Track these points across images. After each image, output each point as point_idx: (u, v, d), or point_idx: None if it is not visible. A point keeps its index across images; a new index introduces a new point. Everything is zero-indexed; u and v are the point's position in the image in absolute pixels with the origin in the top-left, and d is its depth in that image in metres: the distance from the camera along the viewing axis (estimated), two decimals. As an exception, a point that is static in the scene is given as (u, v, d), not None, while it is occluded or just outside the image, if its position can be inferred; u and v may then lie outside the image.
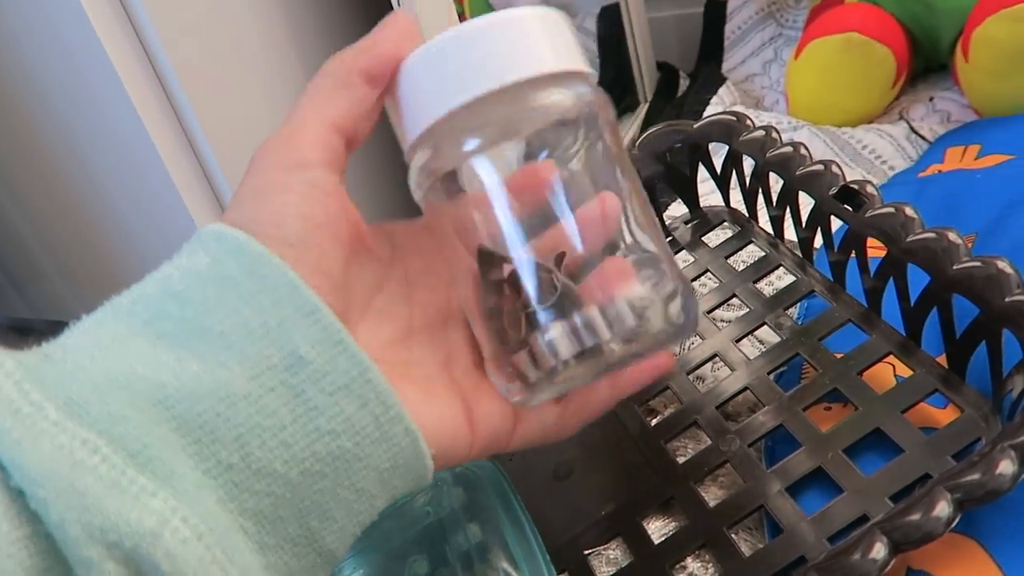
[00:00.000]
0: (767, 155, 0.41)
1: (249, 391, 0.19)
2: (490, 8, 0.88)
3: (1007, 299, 0.29)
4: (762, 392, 0.38)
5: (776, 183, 0.42)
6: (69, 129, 0.56)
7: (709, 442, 0.37)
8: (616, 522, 0.36)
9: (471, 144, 0.23)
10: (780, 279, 0.47)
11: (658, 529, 0.36)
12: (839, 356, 0.37)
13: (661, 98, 0.85)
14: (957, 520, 0.25)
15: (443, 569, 0.33)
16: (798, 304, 0.43)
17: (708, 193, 0.50)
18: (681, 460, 0.37)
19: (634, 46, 0.82)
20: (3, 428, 0.16)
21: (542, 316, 0.23)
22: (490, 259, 0.24)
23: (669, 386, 0.41)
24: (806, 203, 0.39)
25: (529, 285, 0.23)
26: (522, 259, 0.23)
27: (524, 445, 0.27)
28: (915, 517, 0.25)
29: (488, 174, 0.23)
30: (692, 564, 0.34)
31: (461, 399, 0.25)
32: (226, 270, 0.21)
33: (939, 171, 0.54)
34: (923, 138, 0.63)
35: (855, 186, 0.36)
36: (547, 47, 0.23)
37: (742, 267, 0.45)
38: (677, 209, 0.56)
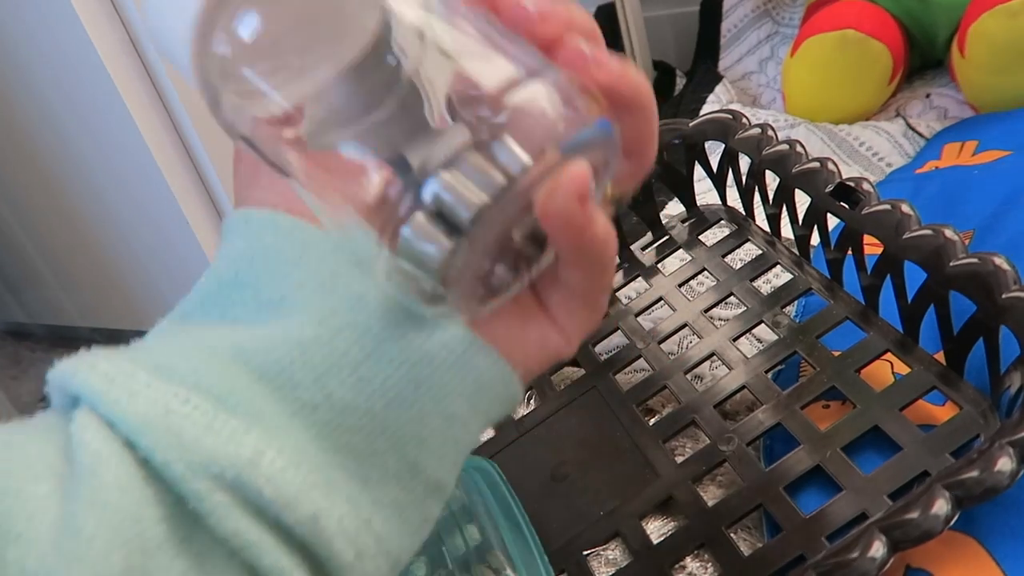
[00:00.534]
0: (763, 153, 0.41)
1: (318, 335, 0.20)
2: (486, 8, 0.88)
3: (1004, 295, 0.29)
4: (760, 391, 0.38)
5: (773, 181, 0.41)
6: (66, 135, 0.56)
7: (708, 441, 0.37)
8: (615, 522, 0.36)
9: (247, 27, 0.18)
10: (777, 277, 0.47)
11: (657, 529, 0.36)
12: (837, 354, 0.37)
13: (657, 97, 0.85)
14: (956, 518, 0.25)
15: (441, 571, 0.33)
16: (795, 302, 0.43)
17: (705, 192, 0.50)
18: (680, 460, 0.37)
19: (630, 45, 0.82)
20: (100, 391, 0.18)
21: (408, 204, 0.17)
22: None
23: (667, 385, 0.41)
24: (803, 201, 0.39)
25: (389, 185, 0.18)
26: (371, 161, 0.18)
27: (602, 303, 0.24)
28: (914, 515, 0.25)
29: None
30: (691, 564, 0.34)
31: (529, 300, 0.23)
32: (266, 244, 0.22)
33: (936, 167, 0.54)
34: (920, 135, 0.63)
35: (851, 183, 0.36)
36: None
37: (739, 265, 0.45)
38: (674, 208, 0.56)
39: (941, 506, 0.25)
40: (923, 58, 0.72)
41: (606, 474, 0.38)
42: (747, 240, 0.46)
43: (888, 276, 0.35)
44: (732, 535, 0.33)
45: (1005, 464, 0.25)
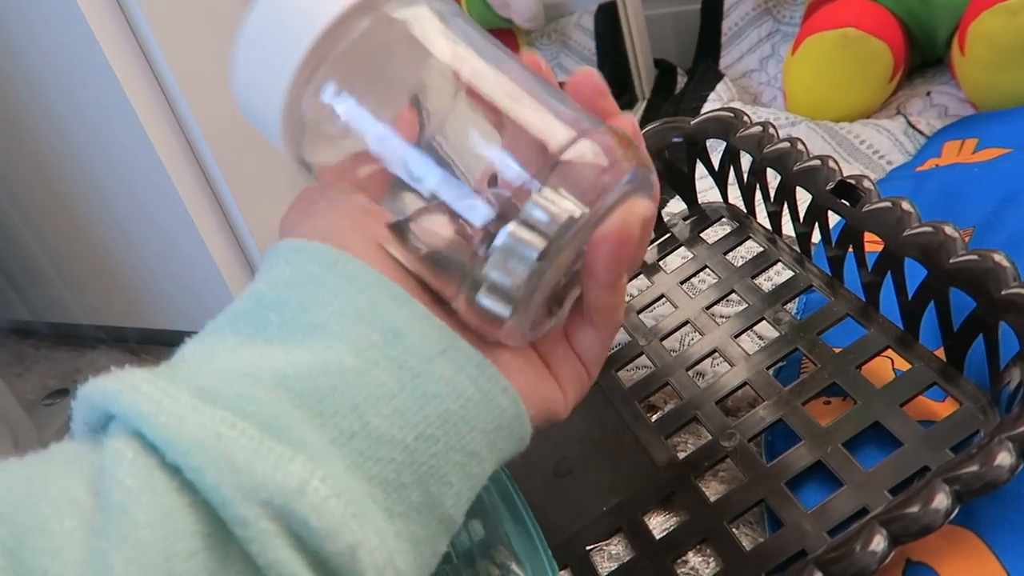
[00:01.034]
0: (764, 151, 0.41)
1: (357, 365, 0.21)
2: (487, 8, 0.88)
3: (1004, 292, 0.29)
4: (761, 387, 0.38)
5: (774, 179, 0.42)
6: (69, 132, 0.56)
7: (709, 437, 0.37)
8: (617, 518, 0.36)
9: (329, 92, 0.22)
10: (778, 274, 0.47)
11: (659, 524, 0.36)
12: (838, 350, 0.37)
13: (659, 95, 0.85)
14: (956, 512, 0.25)
15: (445, 566, 0.34)
16: (797, 299, 0.43)
17: (706, 189, 0.50)
18: (681, 455, 0.37)
19: (631, 43, 0.83)
20: (149, 414, 0.18)
21: (492, 237, 0.21)
22: (403, 227, 0.23)
23: (669, 382, 0.41)
24: (804, 198, 0.40)
25: (469, 214, 0.21)
26: (451, 190, 0.21)
27: (597, 372, 0.28)
28: (914, 509, 0.26)
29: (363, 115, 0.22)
30: (693, 558, 0.34)
31: (540, 361, 0.26)
32: (311, 273, 0.22)
33: (937, 165, 0.54)
34: (920, 133, 0.63)
35: (852, 181, 0.36)
36: None
37: (740, 263, 0.45)
38: (675, 205, 0.56)
39: (941, 500, 0.25)
40: (923, 56, 0.72)
41: (609, 470, 0.39)
42: (748, 238, 0.46)
43: (888, 273, 0.35)
44: (734, 530, 0.33)
45: (1004, 459, 0.25)
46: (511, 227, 0.21)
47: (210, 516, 0.18)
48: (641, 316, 0.46)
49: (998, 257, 0.30)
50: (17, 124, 0.59)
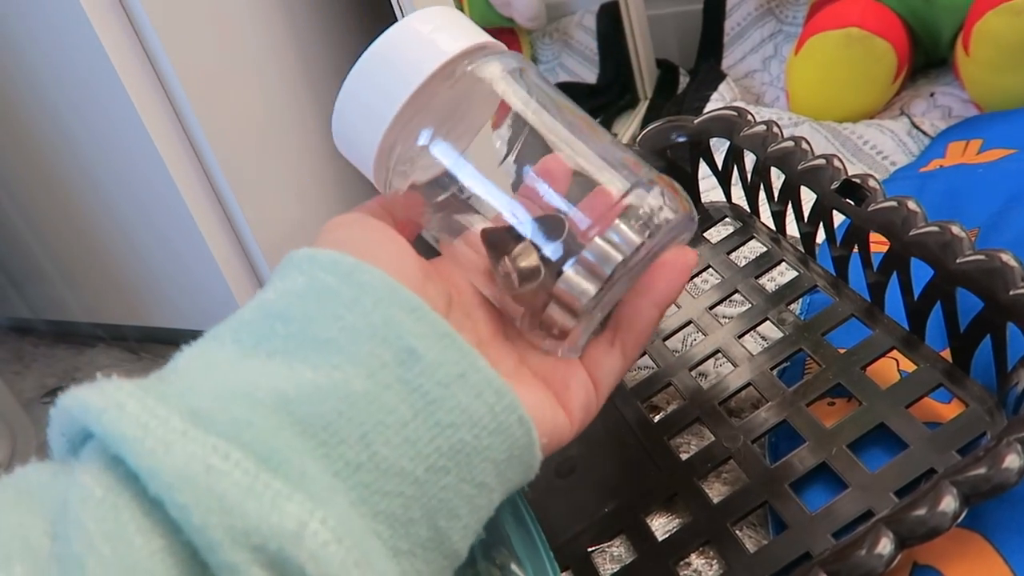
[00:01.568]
0: (768, 150, 0.41)
1: (367, 389, 0.19)
2: (489, 7, 0.88)
3: (1011, 292, 0.29)
4: (765, 388, 0.38)
5: (778, 178, 0.41)
6: (69, 130, 0.56)
7: (712, 438, 0.37)
8: (619, 519, 0.36)
9: (425, 136, 0.25)
10: (782, 274, 0.47)
11: (662, 526, 0.36)
12: (842, 351, 0.37)
13: (661, 95, 0.85)
14: (963, 515, 0.25)
15: (446, 567, 0.33)
16: (801, 299, 0.42)
17: (710, 189, 0.50)
18: (684, 456, 0.37)
19: (633, 43, 0.82)
20: (134, 438, 0.16)
21: (559, 260, 0.24)
22: (498, 236, 0.26)
23: (672, 382, 0.41)
24: (808, 198, 0.39)
25: (537, 235, 0.25)
26: (522, 216, 0.25)
27: (605, 399, 0.28)
28: (921, 512, 0.25)
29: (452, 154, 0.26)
30: (696, 561, 0.34)
31: (548, 386, 0.26)
32: (323, 283, 0.21)
33: (941, 166, 0.54)
34: (924, 133, 0.63)
35: (857, 180, 0.36)
36: (443, 36, 0.26)
37: (744, 263, 0.45)
38: (678, 205, 0.56)
39: (948, 503, 0.25)
40: (927, 56, 0.72)
41: (611, 471, 0.38)
42: (752, 237, 0.46)
43: (894, 273, 0.35)
44: (737, 532, 0.33)
45: (1013, 461, 0.25)
46: (591, 247, 0.24)
47: (188, 563, 0.16)
48: (643, 316, 0.45)
49: (1006, 257, 0.30)
50: (17, 123, 0.58)
